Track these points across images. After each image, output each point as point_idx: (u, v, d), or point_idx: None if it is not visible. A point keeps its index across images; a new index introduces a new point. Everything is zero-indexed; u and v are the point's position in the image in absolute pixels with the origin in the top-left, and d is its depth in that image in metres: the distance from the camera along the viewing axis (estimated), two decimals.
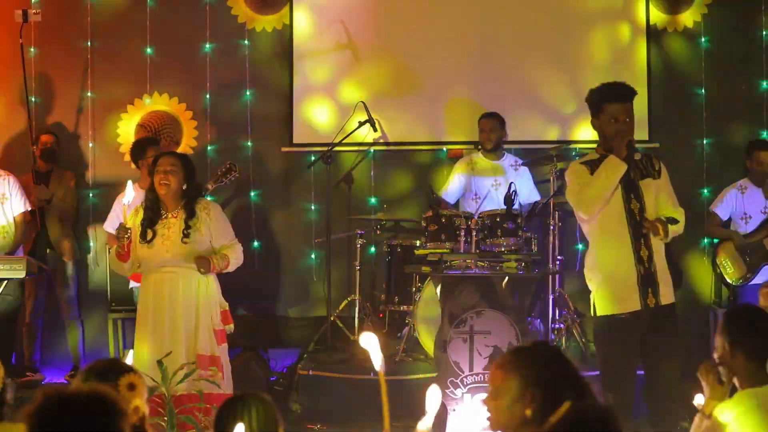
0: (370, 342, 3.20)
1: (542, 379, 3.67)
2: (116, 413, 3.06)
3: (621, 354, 6.65)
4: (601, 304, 6.68)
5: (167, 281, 7.29)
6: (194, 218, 7.31)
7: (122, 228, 7.13)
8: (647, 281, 6.56)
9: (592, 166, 6.69)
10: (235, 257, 7.51)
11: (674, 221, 6.62)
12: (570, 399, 3.49)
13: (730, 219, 9.85)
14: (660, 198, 6.74)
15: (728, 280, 9.68)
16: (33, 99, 10.84)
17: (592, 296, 6.78)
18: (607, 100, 6.65)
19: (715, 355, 4.62)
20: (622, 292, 6.58)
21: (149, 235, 7.26)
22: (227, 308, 7.54)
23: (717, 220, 9.83)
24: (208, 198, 8.56)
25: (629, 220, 6.58)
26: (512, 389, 3.71)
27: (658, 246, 6.63)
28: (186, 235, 7.25)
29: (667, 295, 6.63)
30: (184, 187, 7.40)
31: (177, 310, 7.24)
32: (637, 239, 6.57)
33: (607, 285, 6.66)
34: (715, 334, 4.67)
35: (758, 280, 9.45)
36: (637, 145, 6.80)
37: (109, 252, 10.13)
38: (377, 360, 3.16)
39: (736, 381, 4.55)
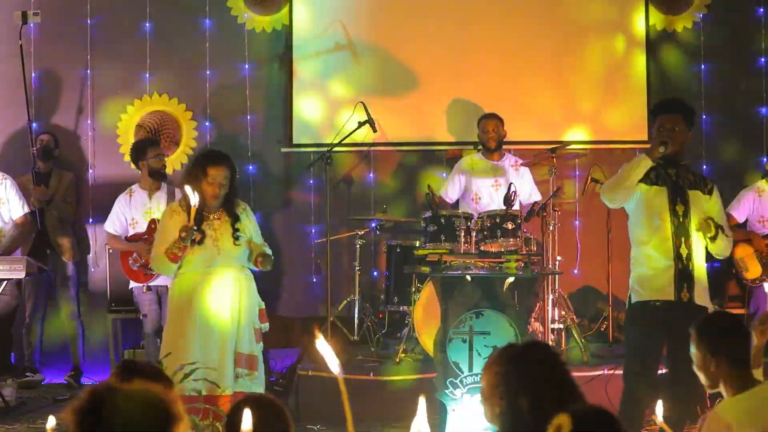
0: (324, 348, 3.17)
1: (507, 380, 3.69)
2: (171, 417, 2.89)
3: (647, 337, 7.06)
4: (637, 292, 7.11)
5: (217, 280, 7.33)
6: (239, 221, 7.42)
7: (189, 229, 7.13)
8: (683, 277, 6.95)
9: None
10: (269, 251, 7.65)
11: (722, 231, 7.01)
12: (552, 400, 3.55)
13: (746, 221, 9.84)
14: (712, 213, 7.10)
15: (745, 280, 9.70)
16: (32, 99, 10.85)
17: (630, 289, 7.20)
18: (660, 112, 7.20)
19: (695, 368, 4.64)
20: (659, 283, 7.00)
21: (198, 237, 7.27)
22: (264, 307, 7.62)
23: (732, 222, 9.82)
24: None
25: (673, 219, 7.01)
26: (498, 386, 3.75)
27: (698, 248, 7.02)
28: (237, 237, 7.35)
29: (701, 296, 6.99)
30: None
31: (225, 309, 7.29)
32: (678, 237, 6.98)
33: (646, 275, 7.07)
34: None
35: None
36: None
37: (109, 251, 10.18)
38: (334, 365, 3.15)
39: (722, 389, 4.56)
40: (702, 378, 4.62)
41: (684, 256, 6.95)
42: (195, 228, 7.17)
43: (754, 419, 4.30)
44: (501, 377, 3.71)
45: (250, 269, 7.55)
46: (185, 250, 7.24)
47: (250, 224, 7.54)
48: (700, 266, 7.03)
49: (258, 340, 7.46)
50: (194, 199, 7.01)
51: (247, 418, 3.19)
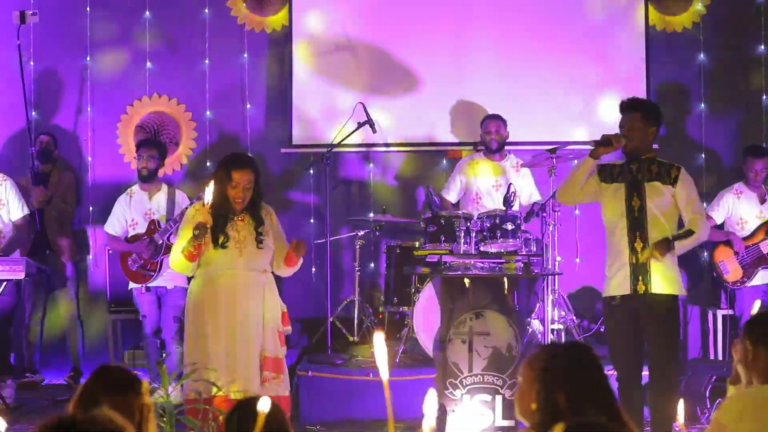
0: (380, 349, 3.17)
1: (545, 377, 3.72)
2: None
3: (618, 332, 7.37)
4: (604, 289, 7.44)
5: (240, 283, 7.25)
6: (263, 225, 7.34)
7: (203, 227, 7.04)
8: (638, 271, 7.19)
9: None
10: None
11: (688, 234, 7.24)
12: (588, 399, 3.63)
13: (723, 223, 9.88)
14: (679, 202, 7.32)
15: (725, 282, 9.75)
16: (32, 100, 10.85)
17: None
18: (620, 112, 7.49)
19: (736, 358, 4.72)
20: (617, 280, 7.28)
21: (221, 239, 7.20)
22: (286, 310, 7.57)
23: (711, 222, 9.83)
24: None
25: (628, 214, 7.25)
26: (526, 382, 3.79)
27: (655, 240, 7.16)
28: (260, 241, 7.28)
29: (660, 285, 7.18)
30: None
31: (250, 312, 7.22)
32: (633, 232, 7.23)
33: (608, 273, 7.39)
34: (735, 342, 4.76)
35: (753, 283, 9.74)
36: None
37: (108, 252, 10.17)
38: (384, 370, 3.14)
39: (755, 381, 4.61)
40: (740, 370, 4.67)
41: (639, 250, 7.17)
42: (208, 226, 7.07)
43: (749, 418, 4.33)
44: (540, 373, 3.73)
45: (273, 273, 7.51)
46: (200, 248, 7.13)
47: (275, 228, 7.48)
48: (660, 258, 7.15)
49: (282, 343, 7.41)
50: (208, 197, 6.93)
51: (264, 402, 3.22)
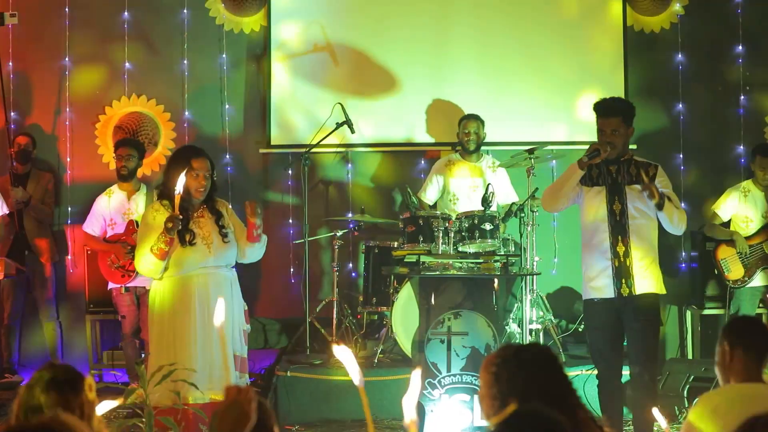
0: (345, 356, 3.20)
1: (499, 380, 3.73)
2: None
3: (599, 335, 7.30)
4: (584, 290, 7.39)
5: (211, 282, 7.12)
6: (222, 218, 7.24)
7: (175, 219, 6.88)
8: (621, 274, 7.14)
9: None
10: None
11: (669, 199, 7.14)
12: (544, 401, 3.54)
13: (730, 220, 9.89)
14: None
15: (727, 281, 9.77)
16: (10, 101, 10.84)
17: (582, 283, 7.47)
18: (598, 115, 7.33)
19: (715, 360, 4.80)
20: (599, 283, 7.23)
21: (188, 237, 7.07)
22: (246, 308, 7.43)
23: (717, 221, 9.86)
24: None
25: (610, 219, 7.18)
26: (484, 386, 3.80)
27: (639, 244, 7.16)
28: (224, 235, 7.18)
29: (642, 286, 7.16)
30: None
31: (222, 311, 7.04)
32: (615, 236, 7.17)
33: (588, 275, 7.32)
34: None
35: (755, 283, 9.75)
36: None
37: (87, 253, 10.16)
38: (355, 374, 3.18)
39: (732, 382, 4.70)
40: (718, 373, 4.75)
41: (621, 253, 7.14)
42: (181, 217, 6.91)
43: (746, 408, 4.37)
44: (495, 377, 3.73)
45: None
46: (172, 243, 6.97)
47: (233, 220, 7.37)
48: (641, 261, 7.16)
49: (245, 342, 7.30)
50: (179, 187, 6.72)
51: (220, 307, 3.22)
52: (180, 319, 7.04)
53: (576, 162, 7.23)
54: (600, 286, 7.20)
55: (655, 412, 4.38)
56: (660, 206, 7.01)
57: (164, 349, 7.02)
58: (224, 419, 3.29)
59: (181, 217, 6.92)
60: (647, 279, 7.17)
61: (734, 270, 9.74)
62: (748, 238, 9.75)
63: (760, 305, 9.84)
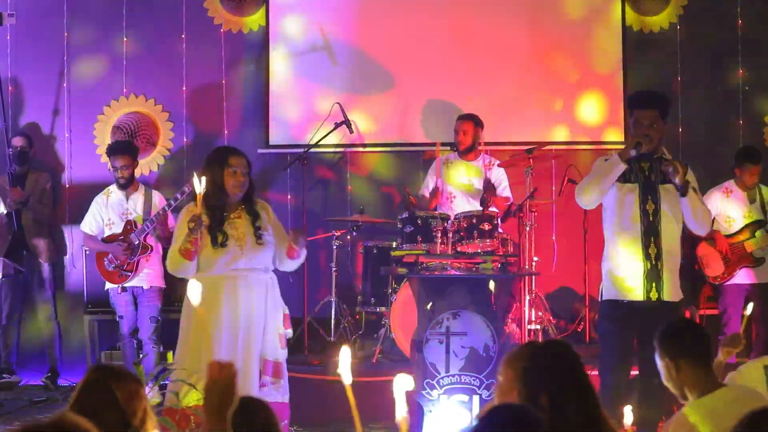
0: (344, 356, 3.23)
1: (527, 376, 3.72)
2: None
3: (619, 333, 7.11)
4: (608, 289, 7.17)
5: (241, 284, 6.99)
6: (259, 219, 7.12)
7: (197, 219, 6.75)
8: (652, 277, 6.97)
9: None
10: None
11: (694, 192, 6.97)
12: (570, 397, 3.66)
13: (713, 220, 9.91)
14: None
15: (707, 277, 9.80)
16: (9, 101, 10.82)
17: (601, 284, 7.28)
18: (636, 107, 7.10)
19: (663, 380, 4.79)
20: (628, 284, 7.03)
21: (220, 238, 6.97)
22: (288, 312, 7.28)
23: None
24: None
25: (642, 219, 6.99)
26: (518, 382, 3.79)
27: (669, 247, 7.01)
28: (260, 237, 7.03)
29: (670, 293, 6.99)
30: None
31: (253, 315, 6.96)
32: (648, 237, 6.98)
33: (616, 274, 7.10)
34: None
35: (736, 280, 9.78)
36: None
37: (85, 252, 10.16)
38: (346, 374, 3.20)
39: (688, 394, 4.67)
40: (671, 387, 4.72)
41: (653, 255, 6.95)
42: (203, 217, 6.80)
43: (717, 420, 4.35)
44: (522, 372, 3.73)
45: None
46: (197, 243, 6.87)
47: (273, 223, 7.24)
48: (670, 263, 7.01)
49: (283, 346, 7.17)
50: (200, 187, 6.56)
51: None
52: (206, 319, 6.89)
53: (617, 154, 6.99)
54: (628, 286, 7.01)
55: (626, 410, 4.36)
56: (684, 190, 6.84)
57: (186, 351, 6.95)
58: (210, 395, 3.32)
59: (203, 217, 6.81)
60: (674, 285, 7.03)
61: (713, 266, 9.77)
62: (729, 236, 9.80)
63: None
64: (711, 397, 4.56)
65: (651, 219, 6.98)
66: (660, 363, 4.73)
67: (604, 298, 7.23)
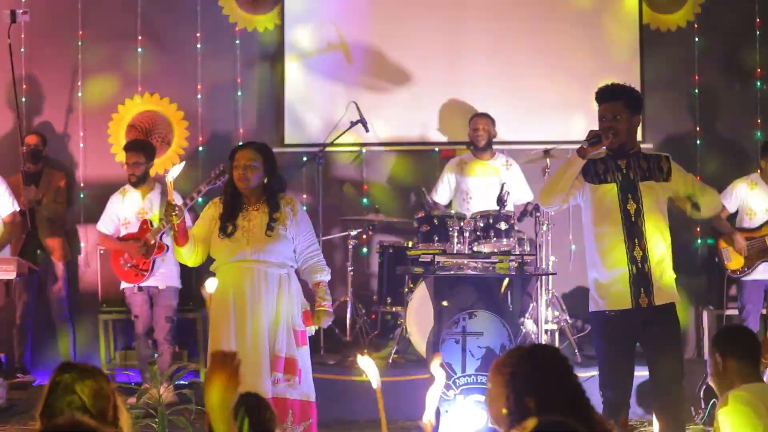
0: (366, 364, 3.23)
1: (514, 381, 3.71)
2: None
3: (612, 350, 6.68)
4: (594, 300, 6.74)
5: (248, 275, 6.86)
6: (278, 212, 6.97)
7: (170, 206, 6.65)
8: (639, 282, 6.53)
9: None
10: (327, 278, 7.19)
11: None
12: (559, 402, 3.63)
13: (737, 212, 9.87)
14: (681, 192, 6.72)
15: (726, 269, 9.74)
16: (22, 99, 10.82)
17: (590, 293, 6.82)
18: (597, 101, 6.78)
19: (709, 379, 4.96)
20: (614, 291, 6.59)
21: (229, 229, 6.90)
22: (308, 308, 7.10)
23: (725, 213, 9.80)
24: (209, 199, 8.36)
25: (624, 220, 6.57)
26: (495, 388, 3.78)
27: (655, 247, 6.60)
28: (270, 228, 6.88)
29: (662, 295, 6.57)
30: (265, 180, 7.03)
31: (259, 307, 6.81)
32: (631, 239, 6.54)
33: (600, 282, 6.69)
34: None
35: (755, 276, 9.73)
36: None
37: (100, 252, 10.14)
38: (374, 379, 3.19)
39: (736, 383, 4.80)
40: (715, 384, 4.81)
41: (639, 258, 6.53)
42: (176, 204, 6.66)
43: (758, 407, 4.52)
44: (510, 378, 3.70)
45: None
46: (181, 231, 6.75)
47: (297, 221, 7.06)
48: (659, 264, 6.59)
49: (301, 343, 6.98)
50: (171, 174, 6.55)
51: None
52: (220, 312, 6.82)
53: (575, 150, 6.61)
54: (615, 296, 6.58)
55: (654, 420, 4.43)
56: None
57: (213, 341, 6.86)
58: (214, 384, 3.29)
59: (175, 205, 6.67)
60: (666, 287, 6.61)
61: (734, 259, 9.74)
62: (751, 230, 9.76)
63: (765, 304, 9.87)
64: (754, 386, 4.74)
65: (633, 219, 6.57)
66: (710, 360, 4.84)
67: (590, 310, 6.82)
